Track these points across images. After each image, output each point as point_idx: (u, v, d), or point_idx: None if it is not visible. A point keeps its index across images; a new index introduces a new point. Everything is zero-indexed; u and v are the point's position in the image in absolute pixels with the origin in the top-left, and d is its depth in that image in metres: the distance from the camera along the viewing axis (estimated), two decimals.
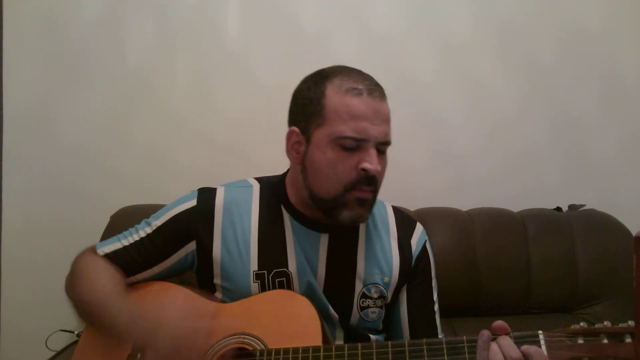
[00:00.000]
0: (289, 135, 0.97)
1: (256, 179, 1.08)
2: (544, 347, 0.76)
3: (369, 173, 0.90)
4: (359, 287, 1.00)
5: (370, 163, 0.89)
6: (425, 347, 0.82)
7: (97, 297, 0.91)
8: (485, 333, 0.79)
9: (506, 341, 0.77)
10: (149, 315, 0.85)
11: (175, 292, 1.00)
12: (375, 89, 0.91)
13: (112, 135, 1.65)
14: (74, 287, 0.96)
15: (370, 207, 0.96)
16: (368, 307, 1.01)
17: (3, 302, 1.63)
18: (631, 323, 0.71)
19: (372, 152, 0.90)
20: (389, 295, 1.03)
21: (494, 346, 0.78)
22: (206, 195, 1.03)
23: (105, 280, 0.94)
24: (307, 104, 0.93)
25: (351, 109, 0.89)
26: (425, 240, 1.09)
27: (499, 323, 0.81)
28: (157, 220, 1.02)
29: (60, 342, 1.34)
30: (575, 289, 1.43)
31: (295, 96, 0.98)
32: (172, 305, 0.92)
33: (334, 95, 0.90)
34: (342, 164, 0.90)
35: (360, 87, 0.90)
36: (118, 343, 0.92)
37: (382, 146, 0.93)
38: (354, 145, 0.89)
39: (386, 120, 0.92)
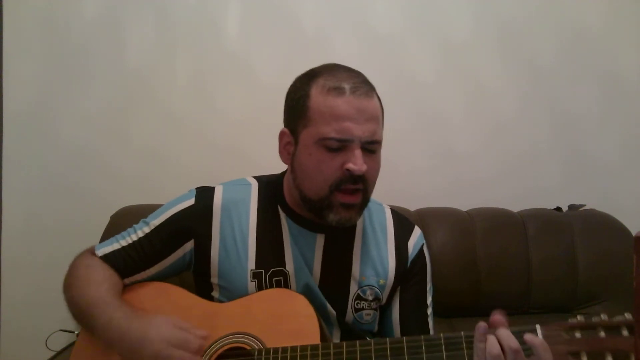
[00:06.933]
0: (281, 136, 0.97)
1: (255, 177, 1.08)
2: None
3: (354, 173, 0.89)
4: (354, 288, 1.00)
5: (354, 163, 0.88)
6: (423, 343, 0.82)
7: (89, 301, 0.91)
8: (482, 325, 0.77)
9: (505, 332, 0.75)
10: (138, 327, 0.84)
11: (171, 295, 0.99)
12: (359, 87, 0.89)
13: (112, 135, 1.65)
14: (68, 288, 0.96)
15: (360, 210, 0.95)
16: (362, 309, 1.00)
17: (3, 302, 1.63)
18: (628, 315, 0.71)
19: (357, 153, 0.88)
20: (384, 298, 1.02)
21: (491, 338, 0.76)
22: (204, 194, 1.03)
23: (98, 284, 0.93)
24: (294, 105, 0.93)
25: (333, 109, 0.88)
26: (423, 244, 1.08)
27: (496, 317, 0.78)
28: (155, 220, 1.01)
29: (60, 342, 1.34)
30: (575, 289, 1.43)
31: (286, 97, 0.98)
32: (164, 313, 0.91)
33: (318, 96, 0.90)
34: (327, 164, 0.89)
35: (343, 85, 0.89)
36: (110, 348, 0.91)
37: (370, 145, 0.90)
38: (338, 146, 0.88)
39: (372, 118, 0.90)
